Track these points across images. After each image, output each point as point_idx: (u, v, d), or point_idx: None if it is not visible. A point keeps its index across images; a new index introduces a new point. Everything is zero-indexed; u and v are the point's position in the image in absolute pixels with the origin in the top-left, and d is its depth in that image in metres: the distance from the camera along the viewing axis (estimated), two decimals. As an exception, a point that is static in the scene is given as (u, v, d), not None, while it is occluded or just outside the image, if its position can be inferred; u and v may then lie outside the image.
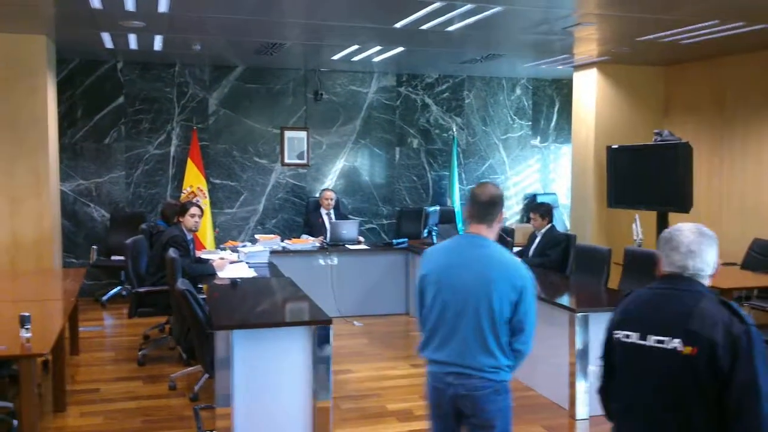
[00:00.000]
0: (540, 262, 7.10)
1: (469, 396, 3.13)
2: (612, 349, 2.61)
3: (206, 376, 5.43)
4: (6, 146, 7.51)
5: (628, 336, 2.51)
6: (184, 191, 9.31)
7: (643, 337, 2.47)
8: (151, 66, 9.52)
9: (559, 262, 7.12)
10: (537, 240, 7.32)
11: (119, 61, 9.41)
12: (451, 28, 6.92)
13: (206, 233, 9.13)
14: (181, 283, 5.18)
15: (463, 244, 3.21)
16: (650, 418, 2.47)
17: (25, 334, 4.30)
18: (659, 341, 2.42)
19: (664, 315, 2.45)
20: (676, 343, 2.37)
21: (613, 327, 2.60)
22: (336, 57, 8.89)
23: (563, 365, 5.39)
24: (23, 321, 4.30)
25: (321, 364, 4.84)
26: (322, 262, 8.30)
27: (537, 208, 7.43)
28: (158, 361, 6.64)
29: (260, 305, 5.53)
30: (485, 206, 3.15)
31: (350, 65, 9.61)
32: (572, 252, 7.08)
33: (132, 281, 6.85)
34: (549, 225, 7.29)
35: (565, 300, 5.93)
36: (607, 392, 2.71)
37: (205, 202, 9.32)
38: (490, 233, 3.18)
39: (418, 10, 6.24)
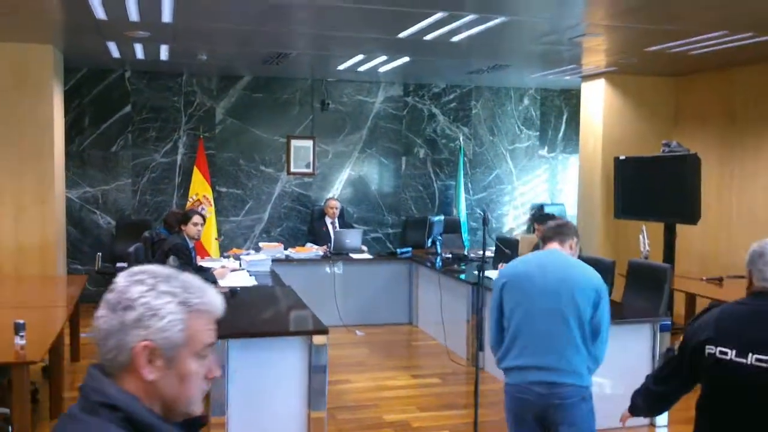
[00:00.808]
0: (543, 273, 7.04)
1: (560, 405, 3.27)
2: (694, 362, 2.57)
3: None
4: (12, 154, 7.54)
5: (724, 353, 2.45)
6: (189, 199, 9.32)
7: (741, 355, 2.41)
8: (159, 75, 9.56)
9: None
10: (541, 251, 7.26)
11: (127, 70, 9.46)
12: (455, 39, 6.89)
13: (210, 241, 9.13)
14: (179, 292, 5.17)
15: (540, 255, 3.55)
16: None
17: (19, 341, 4.29)
18: (759, 359, 2.36)
19: (763, 333, 2.38)
20: None
21: (701, 341, 2.53)
22: (342, 67, 8.89)
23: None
24: (17, 328, 4.29)
25: (317, 374, 4.81)
26: (328, 270, 8.27)
27: (541, 219, 7.37)
28: (158, 369, 6.60)
29: (258, 314, 5.51)
30: (555, 228, 3.57)
31: (357, 75, 9.61)
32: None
33: (134, 289, 6.83)
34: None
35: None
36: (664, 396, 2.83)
37: (210, 210, 9.33)
38: (563, 249, 3.51)
39: (421, 20, 6.22)
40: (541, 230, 7.19)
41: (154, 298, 1.31)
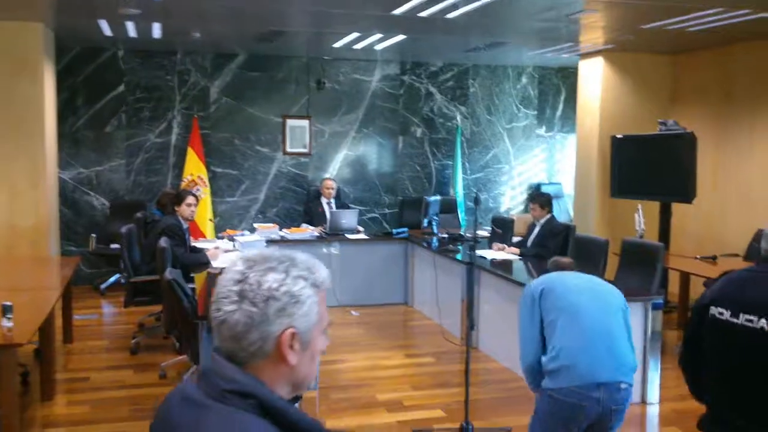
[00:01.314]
0: (538, 252, 7.00)
1: (616, 411, 3.32)
2: (702, 323, 2.69)
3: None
4: (3, 135, 7.47)
5: (721, 313, 2.60)
6: (184, 179, 9.26)
7: (734, 315, 2.55)
8: (152, 54, 9.47)
9: (558, 253, 6.98)
10: (536, 230, 7.21)
11: (120, 49, 9.37)
12: (451, 16, 6.81)
13: (205, 222, 9.09)
14: (169, 273, 5.15)
15: (572, 273, 3.68)
16: (740, 389, 2.57)
17: (6, 323, 4.25)
18: (748, 319, 2.50)
19: (755, 295, 2.53)
20: (763, 322, 2.44)
21: (707, 303, 2.68)
22: (337, 45, 8.79)
23: (556, 357, 5.30)
24: (5, 310, 4.26)
25: None
26: (323, 251, 8.24)
27: (536, 198, 7.33)
28: (151, 349, 6.60)
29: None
30: (571, 267, 3.80)
31: (353, 53, 9.51)
32: (571, 242, 6.97)
33: (128, 270, 6.82)
34: (549, 215, 7.17)
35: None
36: (692, 366, 2.80)
37: (205, 191, 9.28)
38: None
39: (415, -4, 6.14)
40: (536, 209, 7.16)
41: (292, 285, 1.34)
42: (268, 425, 1.28)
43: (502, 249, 7.26)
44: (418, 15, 6.77)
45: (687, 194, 7.69)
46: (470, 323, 4.91)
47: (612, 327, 3.37)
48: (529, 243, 7.23)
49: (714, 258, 7.08)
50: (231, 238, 7.82)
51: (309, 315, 1.36)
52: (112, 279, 9.08)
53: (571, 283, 3.49)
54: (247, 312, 1.31)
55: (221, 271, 5.00)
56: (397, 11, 6.67)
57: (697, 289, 7.83)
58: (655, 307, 5.36)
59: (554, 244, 6.99)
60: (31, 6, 6.97)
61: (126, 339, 6.89)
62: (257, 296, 1.31)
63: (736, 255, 7.50)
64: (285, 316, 1.32)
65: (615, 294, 3.53)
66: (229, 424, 1.27)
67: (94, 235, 9.10)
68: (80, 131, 9.37)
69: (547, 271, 3.79)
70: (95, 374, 5.93)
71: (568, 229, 7.20)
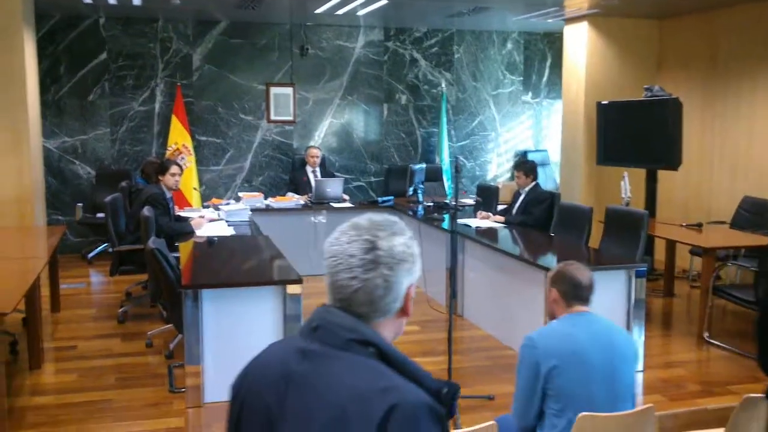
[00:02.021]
0: (523, 220, 7.03)
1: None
2: None
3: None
4: (-17, 103, 7.40)
5: None
6: (168, 148, 9.21)
7: None
8: (134, 21, 9.36)
9: (543, 220, 7.04)
10: (521, 198, 7.22)
11: (101, 16, 9.25)
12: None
13: (191, 191, 9.06)
14: (152, 242, 5.14)
15: (581, 324, 3.04)
16: None
17: (-10, 293, 4.26)
18: None
19: None
20: None
21: None
22: (320, 10, 8.70)
23: (539, 324, 5.34)
24: (-12, 280, 4.26)
25: (291, 323, 4.80)
26: (311, 219, 8.24)
27: (521, 166, 7.33)
28: (139, 318, 6.62)
29: (233, 264, 5.49)
30: (591, 288, 3.12)
31: (336, 19, 9.42)
32: (556, 210, 6.99)
33: (112, 239, 6.81)
34: (533, 183, 7.18)
35: (543, 258, 5.88)
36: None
37: (190, 159, 9.25)
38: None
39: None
40: (521, 177, 7.16)
41: (412, 246, 1.49)
42: (392, 370, 1.38)
43: (487, 217, 7.29)
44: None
45: (673, 161, 7.71)
46: (452, 292, 4.94)
47: (618, 391, 3.00)
48: (513, 211, 7.25)
49: (699, 225, 7.13)
50: (216, 207, 7.81)
51: (419, 270, 1.50)
52: (100, 248, 9.07)
53: (591, 360, 2.93)
54: (384, 276, 1.42)
55: (207, 240, 4.98)
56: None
57: (683, 257, 7.91)
58: (639, 274, 5.40)
59: (539, 212, 7.02)
60: (9, -27, 6.86)
61: (113, 308, 6.90)
62: (392, 261, 1.43)
63: (723, 222, 7.56)
64: (410, 275, 1.46)
65: (632, 358, 3.07)
66: (363, 368, 1.37)
67: (80, 204, 9.07)
68: (63, 100, 9.28)
69: (559, 280, 3.13)
70: (82, 343, 5.94)
71: (552, 197, 7.22)
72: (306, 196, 8.54)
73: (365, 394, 1.34)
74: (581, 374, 2.90)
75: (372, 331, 1.43)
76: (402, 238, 1.46)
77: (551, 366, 2.89)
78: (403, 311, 1.48)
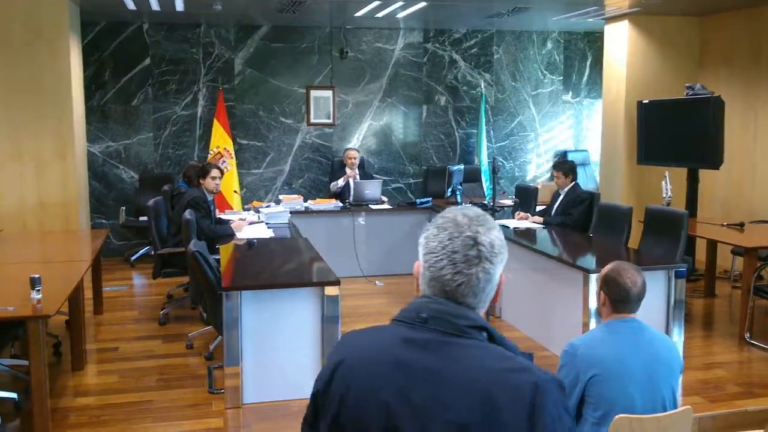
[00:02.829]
0: (562, 221, 6.98)
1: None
2: None
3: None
4: (30, 110, 7.59)
5: None
6: (210, 152, 9.35)
7: None
8: (176, 27, 9.52)
9: (582, 221, 6.98)
10: (560, 198, 7.17)
11: (145, 22, 9.42)
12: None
13: (232, 194, 9.17)
14: (193, 245, 5.22)
15: (624, 332, 3.01)
16: None
17: (35, 295, 4.36)
18: None
19: None
20: None
21: None
22: (359, 14, 8.75)
23: (577, 325, 5.31)
24: (33, 283, 4.36)
25: (329, 324, 4.85)
26: (349, 221, 8.28)
27: (560, 166, 7.28)
28: (180, 320, 6.73)
29: (273, 266, 5.55)
30: (640, 296, 3.05)
31: (375, 22, 9.46)
32: (595, 210, 6.93)
33: (155, 242, 6.93)
34: (572, 183, 7.13)
35: (581, 259, 5.83)
36: None
37: (231, 163, 9.37)
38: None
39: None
40: (560, 177, 7.11)
41: (502, 236, 1.54)
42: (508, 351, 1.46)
43: (525, 218, 7.25)
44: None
45: (714, 160, 7.58)
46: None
47: (658, 406, 2.95)
48: (552, 212, 7.19)
49: (741, 225, 7.00)
50: (256, 210, 7.90)
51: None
52: (142, 251, 9.24)
53: (631, 369, 2.90)
54: (487, 269, 1.48)
55: (246, 242, 5.03)
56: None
57: (724, 257, 7.77)
58: (679, 275, 5.32)
59: (578, 212, 6.97)
60: (55, -18, 7.03)
61: (155, 310, 7.03)
62: (493, 254, 1.49)
63: (765, 221, 7.42)
64: (503, 264, 1.53)
65: (675, 367, 3.03)
66: (489, 351, 1.44)
67: (123, 207, 9.26)
68: (108, 105, 9.48)
69: (609, 285, 3.07)
70: (124, 344, 6.07)
71: (592, 197, 7.16)
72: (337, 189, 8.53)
73: (505, 375, 1.39)
74: (621, 384, 2.87)
75: (479, 315, 1.49)
76: (497, 231, 1.52)
77: (591, 375, 2.88)
78: (495, 298, 1.55)
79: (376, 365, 1.45)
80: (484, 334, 1.45)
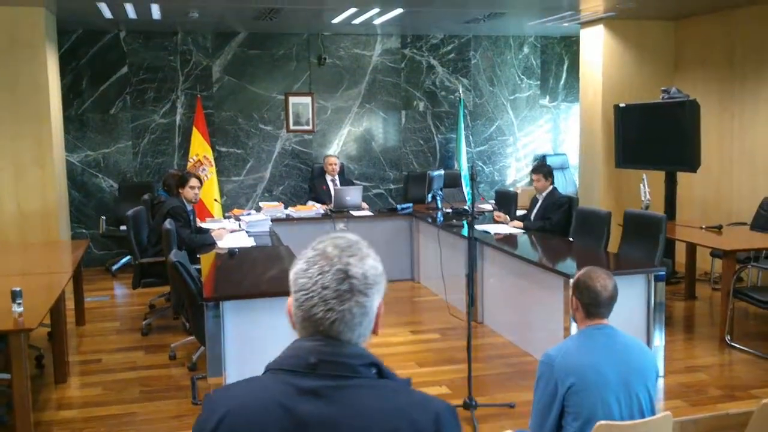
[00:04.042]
0: (542, 225, 7.03)
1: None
2: None
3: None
4: (7, 119, 7.52)
5: None
6: (190, 160, 9.31)
7: None
8: (154, 35, 9.48)
9: (562, 225, 7.03)
10: (539, 203, 7.23)
11: (122, 30, 9.38)
12: (448, -11, 6.79)
13: (212, 202, 9.15)
14: (173, 255, 5.21)
15: (598, 340, 3.02)
16: None
17: (17, 308, 4.33)
18: None
19: None
20: None
21: None
22: (336, 20, 8.77)
23: (558, 330, 5.36)
24: (14, 296, 4.33)
25: (292, 344, 4.82)
26: (329, 228, 8.29)
27: (540, 169, 7.32)
28: (162, 330, 6.70)
29: (254, 275, 5.54)
30: (611, 301, 3.06)
31: (353, 28, 9.48)
32: (574, 214, 6.98)
33: (134, 252, 6.90)
34: (551, 187, 7.20)
35: (561, 264, 5.88)
36: None
37: (211, 171, 9.34)
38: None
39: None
40: (540, 180, 7.15)
41: (379, 265, 1.46)
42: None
43: (504, 219, 7.30)
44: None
45: (691, 163, 7.68)
46: (470, 299, 4.96)
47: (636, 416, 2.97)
48: (532, 217, 7.24)
49: (719, 228, 7.09)
50: (237, 218, 7.89)
51: (386, 285, 1.48)
52: (123, 260, 9.19)
53: (608, 377, 2.90)
54: (361, 302, 1.41)
55: (228, 251, 5.02)
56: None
57: (704, 259, 7.87)
58: (658, 278, 5.38)
59: (557, 217, 7.02)
60: (31, -9, 6.99)
61: (137, 320, 6.99)
62: (366, 286, 1.41)
63: (743, 224, 7.51)
64: (379, 294, 1.45)
65: (651, 374, 3.02)
66: (384, 389, 1.39)
67: (103, 217, 9.20)
68: (86, 114, 9.42)
69: (580, 289, 3.08)
70: (107, 356, 6.03)
71: (571, 201, 7.22)
72: (325, 206, 8.59)
73: (404, 412, 1.37)
74: (599, 392, 2.88)
75: (367, 351, 1.42)
76: (370, 260, 1.44)
77: (569, 384, 2.88)
78: (374, 330, 1.47)
79: (267, 420, 1.36)
80: (374, 370, 1.40)
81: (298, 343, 1.42)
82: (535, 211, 7.24)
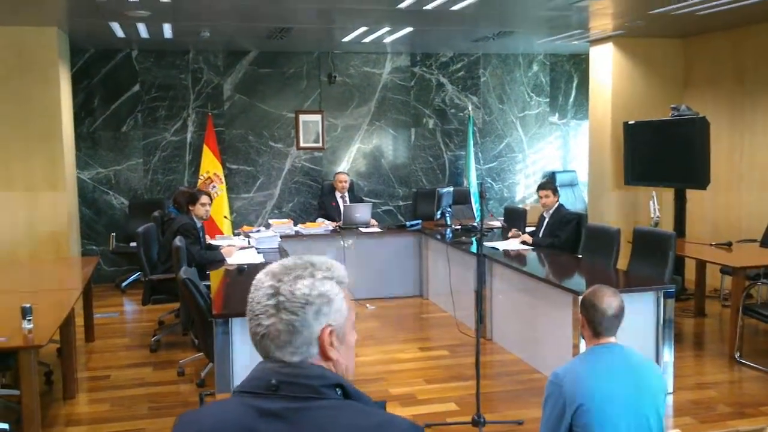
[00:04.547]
0: (551, 242, 7.01)
1: None
2: None
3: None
4: (21, 137, 7.62)
5: None
6: (200, 177, 9.37)
7: None
8: (165, 53, 9.58)
9: (571, 242, 7.02)
10: (546, 221, 7.22)
11: (134, 49, 9.48)
12: (456, 7, 6.82)
13: (222, 219, 9.19)
14: (183, 272, 5.23)
15: (606, 359, 3.02)
16: None
17: (27, 325, 4.37)
18: None
19: None
20: None
21: None
22: (347, 39, 8.84)
23: (567, 347, 5.34)
24: (24, 312, 4.37)
25: (257, 365, 4.82)
26: (338, 244, 8.31)
27: (548, 185, 7.31)
28: (171, 346, 6.72)
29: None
30: (617, 319, 3.06)
31: (363, 47, 9.55)
32: (584, 231, 6.97)
33: (144, 269, 6.93)
34: (558, 203, 7.19)
35: (570, 281, 5.87)
36: None
37: (221, 188, 9.40)
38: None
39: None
40: (549, 196, 7.14)
41: (321, 286, 1.42)
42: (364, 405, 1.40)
43: (518, 236, 7.27)
44: (423, 8, 6.80)
45: (701, 180, 7.67)
46: (479, 316, 4.95)
47: None
48: (540, 234, 7.23)
49: (729, 244, 7.07)
50: (247, 235, 7.92)
51: (341, 310, 1.44)
52: (133, 277, 9.23)
53: (616, 397, 2.89)
54: (287, 321, 1.39)
55: (237, 268, 5.06)
56: (402, 5, 6.69)
57: (714, 276, 7.84)
58: (668, 295, 5.37)
59: (567, 233, 7.00)
60: (45, 11, 7.08)
61: (146, 336, 7.01)
62: (294, 305, 1.39)
63: (753, 240, 7.48)
64: (322, 316, 1.41)
65: (659, 392, 3.00)
66: (348, 410, 1.37)
67: (113, 234, 9.26)
68: (98, 132, 9.51)
69: (587, 308, 3.09)
70: (116, 372, 6.05)
71: (579, 217, 7.21)
72: (334, 223, 8.62)
73: (374, 430, 1.35)
74: (607, 411, 2.86)
75: (333, 373, 1.41)
76: (307, 281, 1.41)
77: (577, 405, 2.87)
78: (324, 355, 1.42)
79: None
80: (339, 391, 1.38)
81: (261, 365, 1.42)
82: (543, 227, 7.23)
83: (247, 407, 1.37)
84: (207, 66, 9.72)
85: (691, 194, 8.26)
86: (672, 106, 8.15)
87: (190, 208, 6.95)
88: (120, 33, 8.04)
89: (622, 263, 6.55)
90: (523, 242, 7.16)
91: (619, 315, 3.07)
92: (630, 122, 8.52)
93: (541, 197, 7.28)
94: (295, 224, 8.62)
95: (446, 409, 5.14)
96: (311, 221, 8.93)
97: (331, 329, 1.42)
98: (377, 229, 8.61)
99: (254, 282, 1.46)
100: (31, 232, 7.74)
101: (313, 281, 1.41)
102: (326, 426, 1.34)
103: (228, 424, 1.37)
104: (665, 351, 5.37)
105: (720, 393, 5.41)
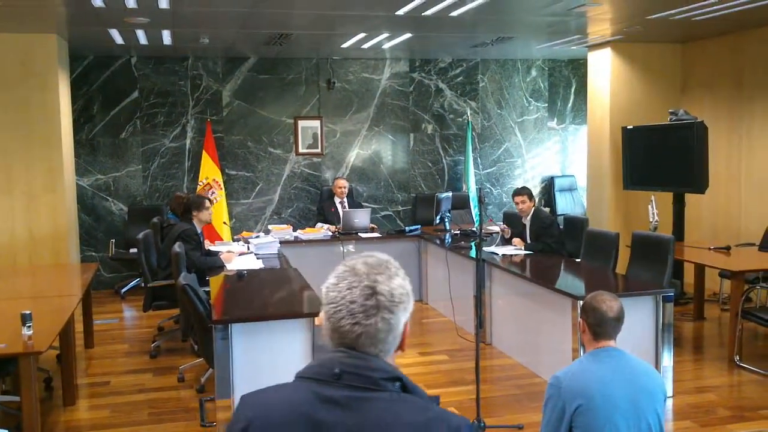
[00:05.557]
0: (542, 248, 6.98)
1: None
2: None
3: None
4: (20, 144, 7.64)
5: None
6: (199, 183, 9.38)
7: None
8: (164, 60, 9.60)
9: (561, 241, 7.05)
10: (528, 226, 7.22)
11: (133, 56, 9.50)
12: (455, 13, 6.85)
13: (221, 225, 9.19)
14: (183, 278, 5.24)
15: (606, 362, 3.02)
16: None
17: (26, 331, 4.37)
18: None
19: None
20: None
21: None
22: (346, 45, 8.86)
23: (567, 351, 5.35)
24: (24, 319, 4.37)
25: (321, 354, 4.84)
26: (337, 250, 8.31)
27: (523, 191, 7.25)
28: (171, 352, 6.72)
29: (263, 297, 5.56)
30: (617, 322, 3.09)
31: (362, 52, 9.57)
32: (583, 236, 6.98)
33: (145, 275, 6.94)
34: (534, 207, 7.22)
35: (570, 285, 5.88)
36: None
37: (220, 194, 9.40)
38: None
39: (418, -3, 6.19)
40: (525, 202, 7.13)
41: (407, 285, 1.52)
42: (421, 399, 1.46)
43: (521, 243, 7.27)
44: (422, 14, 6.83)
45: (699, 185, 7.68)
46: (478, 321, 4.95)
47: None
48: (527, 239, 7.23)
49: (728, 248, 7.08)
50: (246, 241, 7.92)
51: (413, 305, 1.54)
52: (132, 283, 9.23)
53: (615, 400, 2.90)
54: (386, 319, 1.46)
55: (236, 274, 5.05)
56: (401, 11, 6.72)
57: (713, 280, 7.85)
58: (667, 299, 5.38)
59: (553, 237, 6.99)
60: (45, 18, 7.10)
61: (146, 342, 7.01)
62: (392, 304, 1.47)
63: (752, 244, 7.50)
64: (406, 312, 1.50)
65: (658, 396, 3.00)
66: (405, 403, 1.42)
67: (113, 240, 9.26)
68: (97, 138, 9.52)
69: (587, 312, 3.12)
70: (116, 378, 6.05)
71: (555, 216, 7.22)
72: (334, 228, 8.63)
73: (426, 425, 1.40)
74: (606, 413, 2.88)
75: (392, 366, 1.46)
76: (398, 279, 1.49)
77: (576, 406, 2.89)
78: (401, 346, 1.52)
79: (292, 426, 1.41)
80: (398, 384, 1.43)
81: (330, 354, 1.48)
82: (528, 234, 7.23)
83: (308, 392, 1.43)
84: (206, 72, 9.74)
85: (690, 198, 8.28)
86: (670, 110, 8.17)
87: (195, 213, 6.93)
88: (119, 40, 8.06)
89: (621, 267, 6.56)
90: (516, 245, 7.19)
91: (620, 318, 3.09)
92: (628, 127, 8.54)
93: (517, 203, 7.22)
94: (295, 230, 8.62)
95: (446, 413, 5.13)
96: (310, 227, 8.94)
97: (407, 324, 1.52)
98: (376, 235, 8.62)
99: (337, 281, 1.50)
100: (29, 239, 7.75)
101: (401, 280, 1.50)
102: (384, 417, 1.39)
103: (292, 405, 1.43)
104: (664, 355, 5.38)
105: (719, 396, 5.41)
